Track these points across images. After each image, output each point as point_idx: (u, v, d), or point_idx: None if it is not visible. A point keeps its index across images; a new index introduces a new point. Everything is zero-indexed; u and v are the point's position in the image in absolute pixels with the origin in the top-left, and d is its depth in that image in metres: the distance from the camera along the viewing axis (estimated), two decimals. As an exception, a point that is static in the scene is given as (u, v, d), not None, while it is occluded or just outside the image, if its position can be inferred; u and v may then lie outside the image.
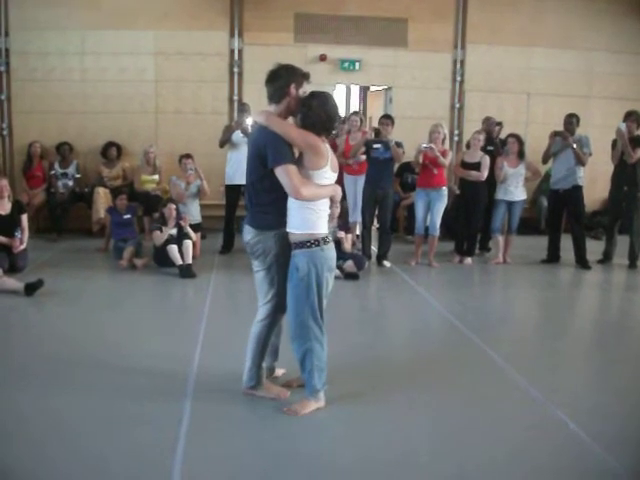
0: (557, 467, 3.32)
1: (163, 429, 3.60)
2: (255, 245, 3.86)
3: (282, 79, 3.75)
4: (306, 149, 3.68)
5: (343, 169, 8.99)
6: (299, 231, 3.71)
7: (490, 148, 8.64)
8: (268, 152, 3.64)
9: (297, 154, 3.74)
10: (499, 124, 9.23)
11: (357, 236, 8.59)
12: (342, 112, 13.48)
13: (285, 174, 3.60)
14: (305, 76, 3.82)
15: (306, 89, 3.81)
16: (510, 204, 8.41)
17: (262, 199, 3.79)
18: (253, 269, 3.96)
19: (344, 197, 8.15)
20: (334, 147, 8.27)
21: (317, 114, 3.69)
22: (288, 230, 3.75)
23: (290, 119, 3.83)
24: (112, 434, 3.54)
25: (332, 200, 3.82)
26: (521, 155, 8.36)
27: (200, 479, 3.15)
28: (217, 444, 3.46)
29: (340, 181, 8.27)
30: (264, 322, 3.94)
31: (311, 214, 3.70)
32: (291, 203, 3.71)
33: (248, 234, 3.89)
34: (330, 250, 3.80)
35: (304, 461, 3.34)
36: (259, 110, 3.97)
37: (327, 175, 3.74)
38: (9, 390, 4.09)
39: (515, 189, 8.37)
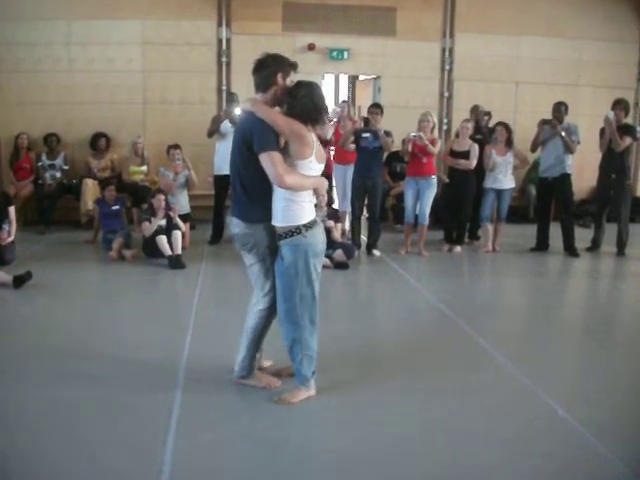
0: (548, 454, 3.34)
1: (154, 419, 3.61)
2: (245, 238, 3.84)
3: (269, 68, 3.74)
4: (292, 137, 3.67)
5: (333, 159, 9.01)
6: (282, 224, 3.71)
7: (478, 137, 8.66)
8: (254, 137, 3.63)
9: (283, 143, 3.72)
10: (488, 114, 9.23)
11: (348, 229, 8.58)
12: (330, 102, 13.47)
13: (269, 161, 3.59)
14: (292, 65, 3.80)
15: (293, 78, 3.79)
16: (499, 192, 8.44)
17: (249, 190, 3.77)
18: (245, 262, 3.93)
19: (330, 187, 8.15)
20: (322, 140, 8.26)
21: (304, 104, 3.67)
22: (273, 223, 3.75)
23: (277, 108, 3.81)
24: (103, 424, 3.55)
25: (317, 193, 3.81)
26: (509, 143, 8.38)
27: (191, 468, 3.15)
28: (208, 433, 3.46)
29: (328, 169, 8.27)
30: (263, 313, 3.92)
31: (293, 205, 3.69)
32: (276, 196, 3.71)
33: (236, 227, 3.87)
34: (314, 236, 3.76)
35: (295, 449, 3.35)
36: (246, 98, 3.96)
37: (312, 165, 3.73)
38: (1, 381, 4.08)
39: (504, 177, 8.39)
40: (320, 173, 3.84)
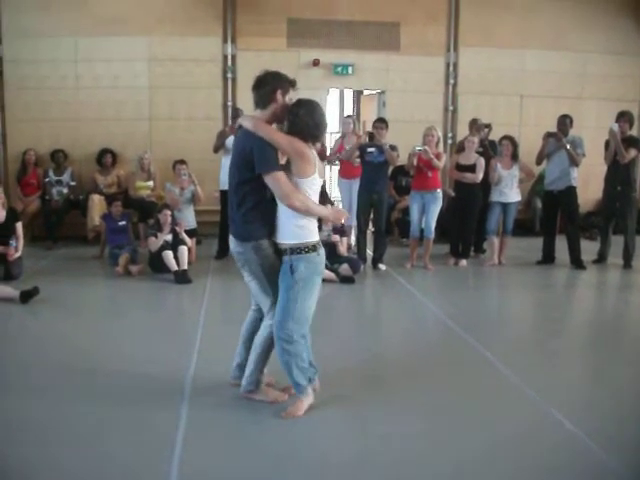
0: (554, 465, 3.33)
1: (160, 433, 3.61)
2: (238, 255, 3.89)
3: (268, 85, 3.76)
4: (293, 156, 3.69)
5: (338, 174, 9.03)
6: (292, 241, 3.73)
7: (479, 150, 8.65)
8: (255, 158, 3.64)
9: (283, 160, 3.74)
10: (487, 126, 9.24)
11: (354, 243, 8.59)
12: (335, 117, 13.54)
13: (275, 182, 3.62)
14: (291, 82, 3.83)
15: (292, 95, 3.82)
16: (505, 206, 8.43)
17: (244, 206, 3.78)
18: (245, 278, 3.97)
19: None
20: (322, 156, 8.25)
21: (304, 122, 3.70)
22: (279, 241, 3.76)
23: (274, 125, 3.83)
24: (109, 440, 3.54)
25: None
26: (515, 157, 8.39)
27: (198, 483, 3.16)
28: (214, 448, 3.46)
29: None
30: (271, 329, 3.93)
31: (304, 221, 3.72)
32: (283, 213, 3.73)
33: (231, 243, 3.92)
34: (323, 254, 3.85)
35: (302, 463, 3.35)
36: (245, 115, 3.98)
37: (316, 182, 3.77)
38: (9, 396, 4.09)
39: (509, 191, 8.39)
40: (320, 187, 3.87)
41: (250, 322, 4.17)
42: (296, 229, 3.72)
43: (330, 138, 11.55)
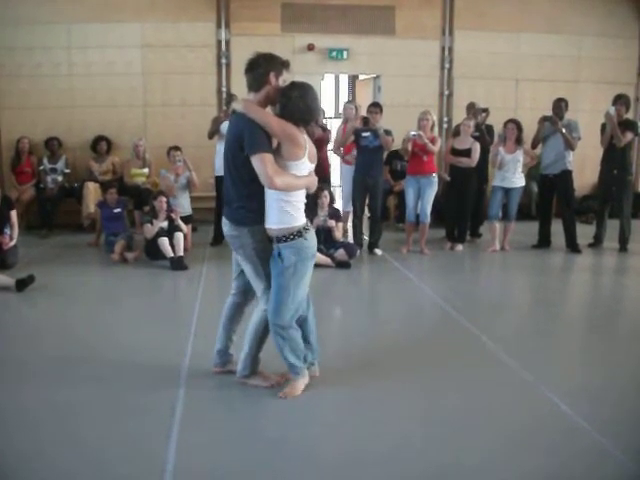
0: (551, 449, 3.34)
1: (157, 418, 3.62)
2: (232, 239, 3.87)
3: (261, 68, 3.74)
4: (284, 139, 3.67)
5: (341, 160, 9.01)
6: (278, 226, 3.71)
7: (476, 134, 8.62)
8: (245, 139, 3.63)
9: (275, 144, 3.72)
10: (485, 110, 9.20)
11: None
12: (331, 102, 13.49)
13: (260, 162, 3.59)
14: (284, 64, 3.79)
15: (286, 77, 3.78)
16: (507, 191, 8.37)
17: (239, 191, 3.77)
18: (239, 261, 3.96)
19: (327, 182, 8.13)
20: (323, 141, 8.21)
21: (296, 105, 3.67)
22: (267, 226, 3.75)
23: (269, 108, 3.81)
24: (105, 424, 3.55)
25: (307, 191, 3.83)
26: (519, 141, 8.30)
27: (194, 467, 3.15)
28: (211, 432, 3.48)
29: (324, 170, 8.21)
30: (265, 312, 3.92)
31: (288, 207, 3.70)
32: (268, 198, 3.71)
33: (225, 226, 3.90)
34: (312, 238, 3.82)
35: (298, 448, 3.36)
36: (239, 99, 3.96)
37: (304, 166, 3.74)
38: (5, 384, 4.10)
39: (512, 176, 8.30)
40: (310, 171, 3.84)
41: (229, 306, 4.17)
42: (281, 214, 3.70)
43: (327, 123, 11.48)
